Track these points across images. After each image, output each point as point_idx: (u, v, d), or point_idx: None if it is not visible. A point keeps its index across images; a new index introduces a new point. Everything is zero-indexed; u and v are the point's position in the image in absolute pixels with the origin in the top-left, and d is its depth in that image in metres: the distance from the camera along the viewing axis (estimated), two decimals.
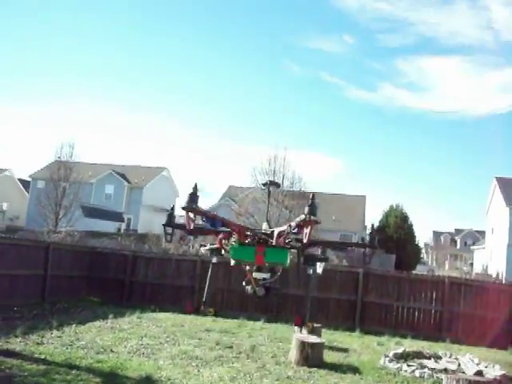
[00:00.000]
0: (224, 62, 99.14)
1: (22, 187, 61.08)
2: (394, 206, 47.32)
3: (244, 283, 9.01)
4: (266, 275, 8.68)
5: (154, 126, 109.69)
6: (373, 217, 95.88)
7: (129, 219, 55.74)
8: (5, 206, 56.48)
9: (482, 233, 65.66)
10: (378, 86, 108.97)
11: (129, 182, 57.93)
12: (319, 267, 10.19)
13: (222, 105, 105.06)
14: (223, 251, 9.11)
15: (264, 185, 13.27)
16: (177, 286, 16.98)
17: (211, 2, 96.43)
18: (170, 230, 9.47)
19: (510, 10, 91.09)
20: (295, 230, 8.29)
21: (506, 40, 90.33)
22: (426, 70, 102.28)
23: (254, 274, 8.64)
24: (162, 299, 16.79)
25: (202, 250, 11.12)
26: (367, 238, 11.16)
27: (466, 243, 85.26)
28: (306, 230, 7.79)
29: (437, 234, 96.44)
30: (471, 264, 67.26)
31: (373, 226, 10.92)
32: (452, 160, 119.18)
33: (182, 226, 9.22)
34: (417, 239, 48.92)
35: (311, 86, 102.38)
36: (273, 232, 8.60)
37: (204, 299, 9.86)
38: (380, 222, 45.72)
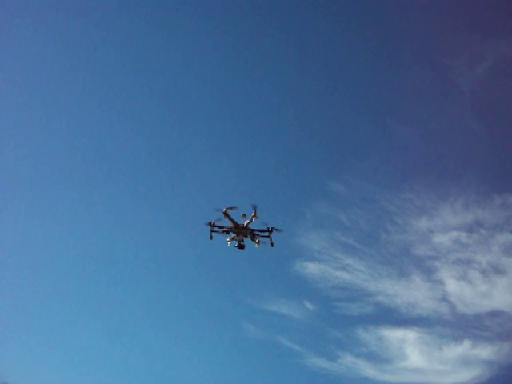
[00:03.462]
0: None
1: None
2: None
3: (234, 245, 53.79)
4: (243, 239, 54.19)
5: None
6: None
7: None
8: None
9: None
10: (337, 354, 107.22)
11: None
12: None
13: None
14: (230, 230, 53.26)
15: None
16: None
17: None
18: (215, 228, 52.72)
19: (462, 285, 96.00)
20: (251, 219, 52.51)
21: (461, 313, 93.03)
22: (386, 341, 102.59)
23: (238, 236, 53.41)
24: None
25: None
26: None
27: None
28: (253, 217, 52.26)
29: None
30: None
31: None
32: None
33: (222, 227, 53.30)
34: None
35: (269, 350, 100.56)
36: (246, 224, 52.97)
37: None
38: None
